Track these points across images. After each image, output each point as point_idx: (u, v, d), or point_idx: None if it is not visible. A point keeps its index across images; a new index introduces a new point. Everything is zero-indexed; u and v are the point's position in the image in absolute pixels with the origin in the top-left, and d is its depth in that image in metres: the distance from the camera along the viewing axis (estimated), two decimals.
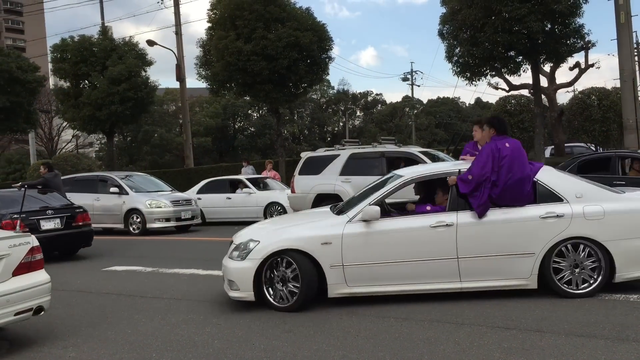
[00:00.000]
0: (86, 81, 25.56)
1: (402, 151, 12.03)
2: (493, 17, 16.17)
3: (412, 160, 11.58)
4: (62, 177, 18.32)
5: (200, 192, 17.63)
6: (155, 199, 15.71)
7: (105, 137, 28.67)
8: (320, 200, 12.22)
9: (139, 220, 15.50)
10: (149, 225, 15.34)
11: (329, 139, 66.83)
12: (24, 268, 5.16)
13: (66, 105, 25.94)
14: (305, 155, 13.16)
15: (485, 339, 4.75)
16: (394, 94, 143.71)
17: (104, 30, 27.27)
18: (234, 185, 17.54)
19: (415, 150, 12.13)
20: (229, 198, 17.07)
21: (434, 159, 11.83)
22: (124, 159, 47.56)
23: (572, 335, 4.73)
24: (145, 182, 17.38)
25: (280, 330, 5.34)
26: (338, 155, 12.36)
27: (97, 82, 24.55)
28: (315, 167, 12.52)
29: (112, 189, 16.01)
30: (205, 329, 5.51)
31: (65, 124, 38.15)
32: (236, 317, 5.88)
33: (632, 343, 4.50)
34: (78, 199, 16.57)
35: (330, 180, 12.12)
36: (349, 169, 12.05)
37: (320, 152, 13.13)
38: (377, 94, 72.42)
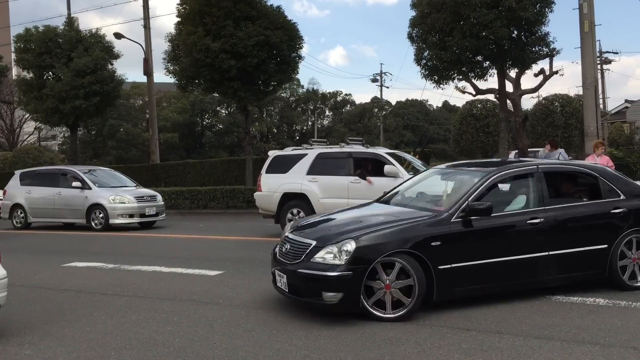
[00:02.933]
0: (50, 73, 24.99)
1: (369, 152, 12.15)
2: (461, 22, 16.37)
3: (379, 162, 11.69)
4: (23, 170, 17.98)
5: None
6: (118, 195, 15.50)
7: (69, 130, 28.07)
8: (287, 199, 12.23)
9: (101, 215, 15.27)
10: (111, 221, 15.12)
11: (297, 138, 66.77)
12: None
13: (29, 97, 25.30)
14: (272, 153, 13.15)
15: (446, 340, 4.81)
16: (363, 94, 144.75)
17: (70, 22, 26.70)
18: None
19: (382, 151, 12.25)
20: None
21: (401, 160, 11.96)
22: (88, 153, 46.68)
23: (530, 337, 4.83)
24: (109, 177, 17.15)
25: (243, 329, 5.32)
26: (305, 154, 12.37)
27: (61, 74, 24.02)
28: (282, 166, 12.53)
29: (75, 184, 15.76)
30: (167, 328, 5.45)
31: (27, 115, 37.22)
32: (198, 316, 5.83)
33: (587, 345, 4.61)
34: (39, 193, 16.34)
35: (297, 179, 12.14)
36: (316, 169, 12.09)
37: (288, 151, 13.14)
38: (346, 94, 72.73)
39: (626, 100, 43.14)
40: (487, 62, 17.52)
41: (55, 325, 5.67)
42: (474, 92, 20.54)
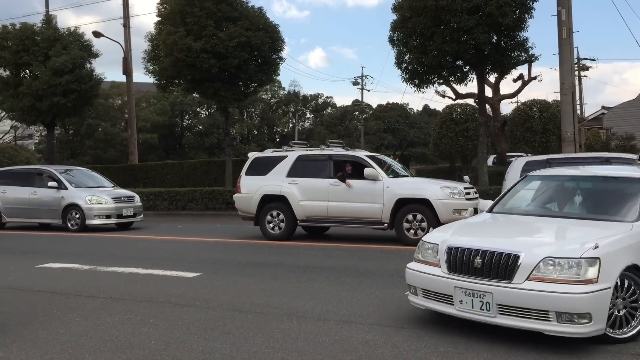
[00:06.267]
0: (27, 71, 24.63)
1: (349, 155, 12.17)
2: (442, 27, 16.50)
3: (359, 165, 11.71)
4: None
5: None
6: (95, 195, 15.35)
7: (46, 129, 27.69)
8: (267, 201, 12.19)
9: (77, 216, 15.09)
10: (88, 222, 14.96)
11: (278, 139, 66.60)
12: None
13: (5, 95, 24.90)
14: (252, 155, 13.10)
15: (423, 343, 4.82)
16: (344, 97, 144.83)
17: (48, 19, 26.32)
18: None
19: (362, 154, 12.29)
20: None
21: (381, 163, 11.99)
22: (65, 152, 46.05)
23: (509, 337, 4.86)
24: (86, 177, 16.98)
25: (219, 331, 5.27)
26: (285, 156, 12.34)
27: (38, 72, 23.68)
28: (262, 167, 12.48)
29: (51, 183, 15.58)
30: (142, 330, 5.38)
31: (3, 114, 36.64)
32: (175, 318, 5.77)
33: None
34: (14, 192, 16.08)
35: (277, 181, 12.10)
36: (296, 171, 12.07)
37: (268, 152, 13.11)
38: (327, 97, 72.81)
39: (603, 107, 43.76)
40: (467, 67, 17.67)
41: (28, 326, 5.57)
42: (454, 97, 20.74)
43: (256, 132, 63.62)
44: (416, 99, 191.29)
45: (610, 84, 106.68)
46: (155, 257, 10.11)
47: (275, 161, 12.39)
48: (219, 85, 19.87)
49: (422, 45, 16.94)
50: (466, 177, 14.01)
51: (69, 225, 15.14)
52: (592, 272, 4.47)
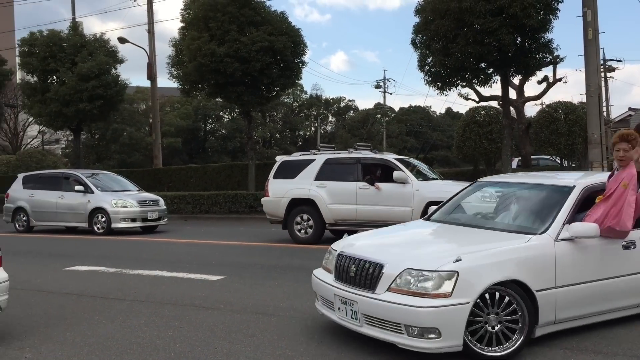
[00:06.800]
0: (54, 77, 25.10)
1: (378, 158, 12.02)
2: (465, 29, 16.38)
3: (388, 168, 11.59)
4: (26, 174, 18.01)
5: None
6: (121, 199, 15.52)
7: (72, 134, 28.15)
8: (295, 204, 12.17)
9: (103, 219, 15.27)
10: (114, 225, 15.12)
11: (300, 143, 66.76)
12: None
13: (33, 101, 25.42)
14: (280, 159, 13.07)
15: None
16: (366, 100, 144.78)
17: (75, 26, 26.80)
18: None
19: (391, 157, 12.12)
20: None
21: (409, 166, 11.82)
22: (91, 156, 46.75)
23: (555, 347, 4.80)
24: (111, 181, 17.16)
25: (243, 334, 5.29)
26: (313, 160, 12.27)
27: (65, 78, 24.11)
28: (290, 171, 12.43)
29: (77, 187, 15.78)
30: (167, 332, 5.43)
31: (31, 119, 37.31)
32: (199, 321, 5.81)
33: (589, 354, 4.58)
34: (42, 196, 16.35)
35: (305, 185, 12.06)
36: (324, 174, 11.99)
37: (296, 156, 13.05)
38: (349, 100, 72.84)
39: (630, 108, 42.96)
40: (491, 69, 17.52)
41: (56, 328, 5.66)
42: (477, 99, 20.56)
43: (278, 136, 63.86)
44: (439, 102, 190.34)
45: (637, 85, 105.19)
46: (179, 260, 10.19)
47: (303, 164, 12.34)
48: (242, 90, 19.99)
49: (445, 48, 16.85)
50: None
51: (95, 228, 15.32)
52: (447, 286, 4.30)
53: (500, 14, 15.85)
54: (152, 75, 27.61)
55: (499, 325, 4.43)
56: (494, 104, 21.91)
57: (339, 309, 4.88)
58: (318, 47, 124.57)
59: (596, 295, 4.98)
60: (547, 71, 29.09)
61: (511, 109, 18.85)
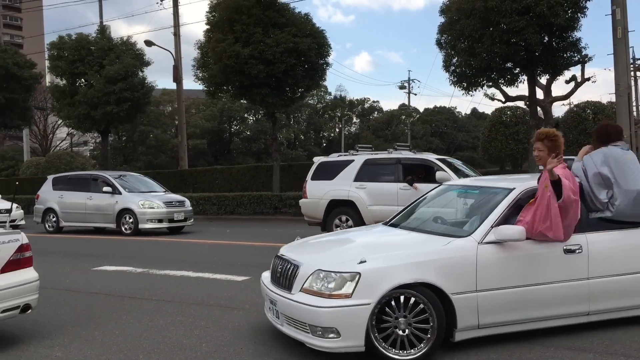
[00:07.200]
0: (82, 79, 25.51)
1: (419, 158, 11.79)
2: (491, 29, 16.23)
3: (429, 168, 11.38)
4: (55, 175, 18.32)
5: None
6: (148, 200, 15.66)
7: (100, 136, 28.59)
8: (334, 206, 12.08)
9: (131, 220, 15.43)
10: (141, 226, 15.27)
11: (324, 144, 66.80)
12: (12, 265, 5.12)
13: (61, 103, 25.87)
14: (318, 160, 12.95)
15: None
16: (390, 101, 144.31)
17: (102, 29, 27.23)
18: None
19: (432, 157, 11.84)
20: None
21: (450, 166, 11.54)
22: (118, 158, 47.43)
23: (560, 348, 4.73)
24: (138, 182, 17.33)
25: (269, 335, 5.31)
26: (352, 161, 12.13)
27: (93, 81, 24.49)
28: (328, 172, 12.31)
29: (105, 189, 15.97)
30: (194, 332, 5.48)
31: (60, 121, 38.02)
32: (225, 321, 5.84)
33: (620, 357, 4.50)
34: (71, 197, 16.61)
35: (344, 186, 11.95)
36: (363, 175, 11.85)
37: (334, 157, 12.88)
38: (373, 101, 72.66)
39: None
40: (518, 69, 17.33)
41: (85, 327, 5.75)
42: (503, 99, 20.34)
43: (303, 137, 64.01)
44: (464, 102, 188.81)
45: None
46: (205, 260, 10.26)
47: (341, 166, 12.19)
48: (267, 91, 20.07)
49: (471, 48, 16.71)
50: None
51: (123, 229, 15.49)
52: (348, 287, 4.33)
53: (527, 12, 15.67)
54: (178, 78, 27.89)
55: (408, 329, 4.41)
56: (521, 104, 21.71)
57: (269, 308, 5.07)
58: (342, 48, 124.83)
59: (529, 301, 4.77)
60: (575, 70, 28.55)
61: (538, 109, 18.60)
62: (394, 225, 5.91)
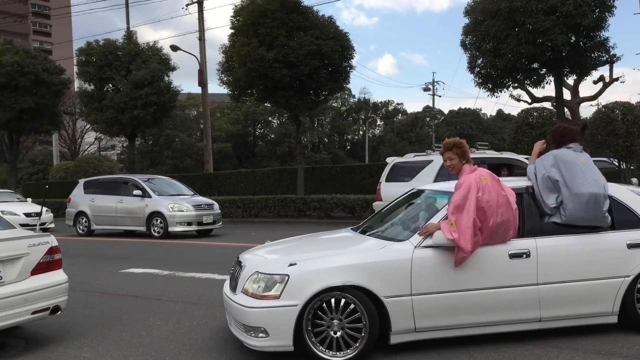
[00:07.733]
0: (110, 85, 25.89)
1: (505, 157, 11.54)
2: (517, 29, 16.07)
3: (512, 167, 11.19)
4: (86, 179, 18.58)
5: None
6: (177, 203, 15.71)
7: (127, 140, 28.99)
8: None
9: (161, 223, 15.52)
10: (170, 229, 15.34)
11: (348, 147, 66.76)
12: (42, 267, 5.22)
13: (90, 108, 26.30)
14: (391, 160, 12.63)
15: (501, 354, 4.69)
16: (414, 103, 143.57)
17: (129, 35, 27.61)
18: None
19: (516, 156, 11.60)
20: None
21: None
22: (145, 162, 48.04)
23: (589, 352, 4.66)
24: (167, 185, 17.45)
25: None
26: (431, 161, 11.73)
27: (120, 86, 24.86)
28: (404, 173, 11.98)
29: (135, 192, 16.07)
30: (220, 334, 5.52)
31: (88, 126, 38.62)
32: None
33: (589, 354, 4.42)
34: (102, 201, 16.83)
35: None
36: (443, 177, 11.26)
37: (409, 157, 12.52)
38: (397, 104, 72.41)
39: None
40: (544, 69, 17.13)
41: (113, 329, 5.83)
42: (529, 100, 20.12)
43: (327, 140, 64.06)
44: (489, 104, 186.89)
45: None
46: (230, 263, 10.29)
47: (419, 166, 11.81)
48: (291, 94, 20.13)
49: (496, 49, 16.56)
50: (634, 180, 13.24)
51: (153, 232, 15.56)
52: (277, 289, 4.48)
53: (553, 12, 15.49)
54: (203, 82, 28.17)
55: (340, 331, 4.48)
56: (548, 105, 21.40)
57: (226, 309, 5.14)
58: (365, 50, 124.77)
59: (469, 306, 4.69)
60: (603, 70, 28.26)
61: (565, 110, 18.34)
62: (363, 232, 5.78)
